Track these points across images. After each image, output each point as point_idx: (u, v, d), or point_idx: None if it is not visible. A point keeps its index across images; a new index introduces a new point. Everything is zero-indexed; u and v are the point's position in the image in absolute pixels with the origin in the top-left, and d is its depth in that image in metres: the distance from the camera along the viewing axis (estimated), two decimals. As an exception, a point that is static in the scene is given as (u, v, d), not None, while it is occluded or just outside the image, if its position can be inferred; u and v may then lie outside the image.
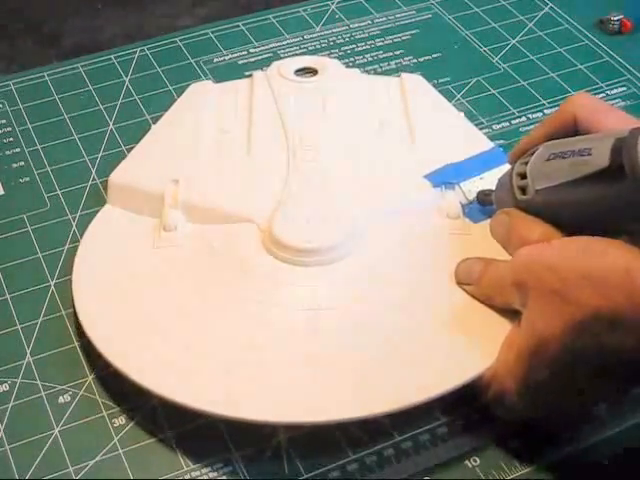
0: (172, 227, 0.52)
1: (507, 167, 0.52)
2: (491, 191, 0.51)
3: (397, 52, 0.68)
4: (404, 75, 0.62)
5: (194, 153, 0.56)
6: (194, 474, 0.44)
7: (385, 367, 0.45)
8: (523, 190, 0.46)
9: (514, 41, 0.69)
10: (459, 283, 0.48)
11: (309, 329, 0.47)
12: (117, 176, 0.56)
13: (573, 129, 0.46)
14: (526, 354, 0.41)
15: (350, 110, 0.59)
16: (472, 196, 0.53)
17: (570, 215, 0.43)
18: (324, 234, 0.50)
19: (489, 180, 0.53)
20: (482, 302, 0.46)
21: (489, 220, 0.50)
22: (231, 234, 0.51)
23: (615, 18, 0.69)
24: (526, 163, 0.46)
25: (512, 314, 0.45)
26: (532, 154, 0.46)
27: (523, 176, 0.46)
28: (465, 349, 0.45)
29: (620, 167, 0.40)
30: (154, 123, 0.60)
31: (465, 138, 0.57)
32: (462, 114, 0.60)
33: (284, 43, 0.69)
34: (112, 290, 0.50)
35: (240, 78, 0.64)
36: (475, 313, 0.47)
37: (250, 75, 0.63)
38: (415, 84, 0.62)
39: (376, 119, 0.58)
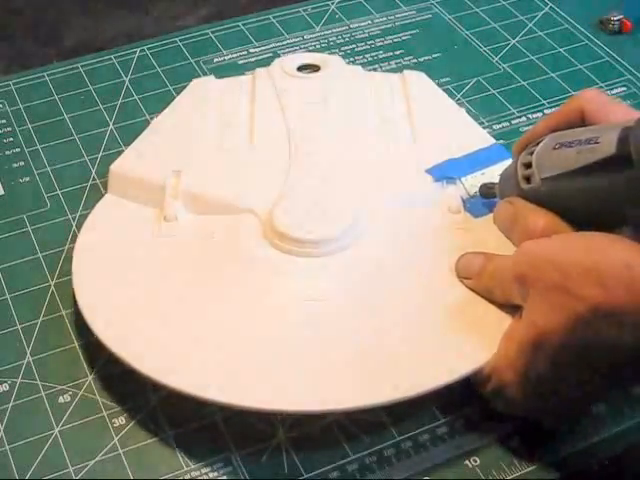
0: (173, 217, 0.52)
1: (508, 163, 0.52)
2: (494, 184, 0.51)
3: (397, 52, 0.68)
4: (406, 72, 0.62)
5: (196, 145, 0.56)
6: (194, 474, 0.44)
7: (384, 359, 0.45)
8: (528, 179, 0.46)
9: (514, 41, 0.69)
10: (459, 277, 0.48)
11: (308, 319, 0.47)
12: (118, 166, 0.56)
13: (579, 123, 0.46)
14: (526, 347, 0.42)
15: (352, 106, 0.59)
16: (473, 191, 0.53)
17: (575, 203, 0.43)
18: (325, 226, 0.50)
19: (490, 175, 0.53)
20: (482, 296, 0.47)
21: (490, 215, 0.51)
22: (232, 225, 0.52)
23: (615, 18, 0.69)
24: (531, 153, 0.46)
25: (512, 308, 0.45)
26: (537, 144, 0.46)
27: (528, 165, 0.46)
28: (465, 342, 0.45)
29: (627, 155, 0.40)
30: (155, 120, 0.60)
31: (466, 134, 0.57)
32: (463, 110, 0.60)
33: (284, 43, 0.69)
34: (112, 279, 0.50)
35: (240, 78, 0.64)
36: (475, 307, 0.47)
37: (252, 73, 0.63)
38: (417, 81, 0.62)
39: (378, 115, 0.58)
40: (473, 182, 0.53)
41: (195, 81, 0.62)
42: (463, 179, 0.54)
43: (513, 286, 0.43)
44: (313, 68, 0.63)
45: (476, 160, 0.55)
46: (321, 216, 0.51)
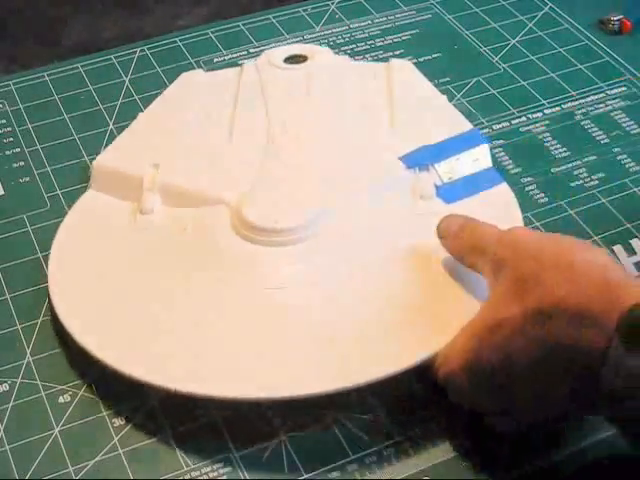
0: (149, 210, 0.53)
1: (484, 147, 0.54)
2: None
3: (397, 52, 0.68)
4: (393, 60, 0.63)
5: (177, 139, 0.57)
6: (194, 474, 0.44)
7: (348, 344, 0.46)
8: None
9: (514, 41, 0.69)
10: (439, 237, 0.47)
11: (275, 308, 0.48)
12: (102, 161, 0.56)
13: None
14: (481, 333, 0.41)
15: (334, 94, 0.60)
16: (447, 177, 0.54)
17: None
18: (291, 215, 0.51)
19: (464, 161, 0.54)
20: (453, 256, 0.47)
21: (461, 201, 0.52)
22: (203, 216, 0.52)
23: (615, 18, 0.69)
24: None
25: (474, 297, 0.46)
26: None
27: None
28: (425, 328, 0.46)
29: None
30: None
31: (446, 121, 0.58)
32: (445, 97, 0.60)
33: (284, 43, 0.69)
34: (88, 271, 0.50)
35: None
36: (439, 294, 0.48)
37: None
38: (402, 69, 0.62)
39: (359, 103, 0.59)
40: (446, 168, 0.54)
41: (184, 74, 0.63)
42: (437, 165, 0.54)
43: (487, 261, 0.43)
44: (302, 59, 0.63)
45: (450, 146, 0.55)
46: (288, 206, 0.51)
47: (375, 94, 0.60)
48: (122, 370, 0.45)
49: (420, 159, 0.54)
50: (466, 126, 0.57)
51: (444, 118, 0.58)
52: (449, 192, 0.53)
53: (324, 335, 0.46)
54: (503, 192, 0.54)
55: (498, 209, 0.53)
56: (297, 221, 0.50)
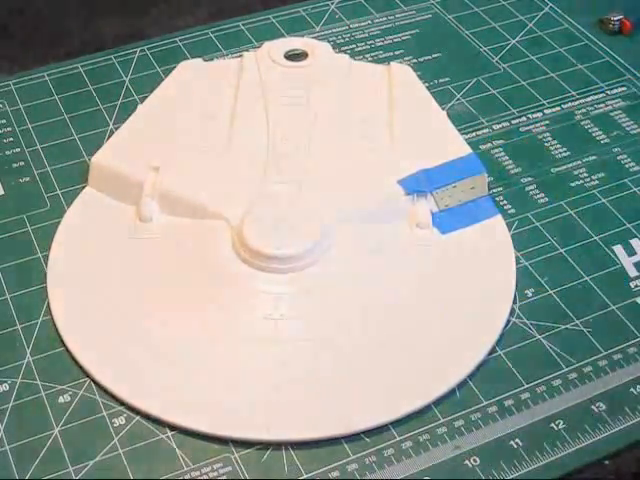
0: (148, 217, 0.52)
1: (481, 175, 0.53)
2: None
3: (397, 52, 0.68)
4: (393, 65, 0.62)
5: (177, 139, 0.56)
6: (194, 474, 0.44)
7: (345, 383, 0.46)
8: None
9: (514, 41, 0.69)
10: None
11: (270, 338, 0.47)
12: (100, 158, 0.55)
13: None
14: None
15: (334, 104, 0.59)
16: (443, 204, 0.53)
17: None
18: (293, 241, 0.50)
19: (461, 189, 0.54)
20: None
21: (456, 232, 0.52)
22: (203, 231, 0.51)
23: (615, 18, 0.69)
24: None
25: (475, 329, 0.46)
26: None
27: None
28: (428, 367, 0.46)
29: None
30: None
31: (444, 141, 0.57)
32: (444, 113, 0.59)
33: (284, 43, 0.69)
34: (85, 279, 0.50)
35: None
36: (439, 328, 0.48)
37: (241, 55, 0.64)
38: (403, 76, 0.61)
39: (359, 114, 0.58)
40: (443, 195, 0.53)
41: (182, 64, 0.63)
42: (434, 192, 0.53)
43: None
44: (302, 56, 0.63)
45: (449, 172, 0.54)
46: (290, 230, 0.50)
47: (375, 105, 0.59)
48: (104, 384, 0.46)
49: (419, 184, 0.53)
50: (465, 149, 0.56)
51: (443, 138, 0.57)
52: (445, 221, 0.53)
53: (320, 371, 0.46)
54: (497, 224, 0.54)
55: (491, 242, 0.53)
56: (298, 249, 0.49)
